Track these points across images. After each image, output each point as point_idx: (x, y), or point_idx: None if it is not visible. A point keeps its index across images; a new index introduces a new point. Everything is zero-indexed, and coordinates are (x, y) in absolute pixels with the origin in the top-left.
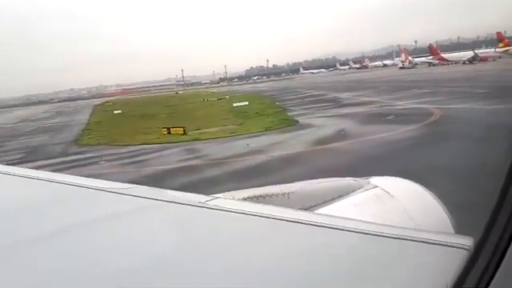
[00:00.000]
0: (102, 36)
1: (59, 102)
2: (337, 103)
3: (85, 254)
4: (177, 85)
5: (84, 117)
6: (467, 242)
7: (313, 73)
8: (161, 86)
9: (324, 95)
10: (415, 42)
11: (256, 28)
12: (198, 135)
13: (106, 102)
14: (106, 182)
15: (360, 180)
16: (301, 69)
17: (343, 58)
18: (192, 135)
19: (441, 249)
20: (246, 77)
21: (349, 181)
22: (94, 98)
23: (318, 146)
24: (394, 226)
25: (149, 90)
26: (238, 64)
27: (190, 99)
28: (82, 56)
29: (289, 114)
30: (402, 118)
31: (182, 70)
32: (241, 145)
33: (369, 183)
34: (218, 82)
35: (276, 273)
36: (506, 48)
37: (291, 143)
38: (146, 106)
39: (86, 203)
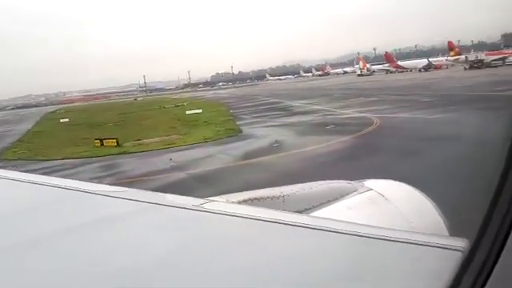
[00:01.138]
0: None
1: (12, 109)
2: (287, 112)
3: (78, 257)
4: (139, 91)
5: (26, 126)
6: (461, 243)
7: (280, 79)
8: (123, 92)
9: (279, 103)
10: (374, 49)
11: (222, 35)
12: (131, 147)
13: (60, 109)
14: (99, 185)
15: (354, 183)
16: (267, 75)
17: (307, 65)
18: (125, 147)
19: (435, 251)
20: (211, 83)
21: (343, 183)
22: (52, 104)
23: (243, 160)
24: (389, 229)
25: (109, 97)
26: (205, 70)
27: (146, 106)
28: (43, 60)
29: (238, 122)
30: (340, 128)
31: (144, 76)
32: (165, 160)
33: (363, 186)
34: (183, 88)
35: (271, 276)
36: (457, 57)
37: (219, 157)
38: (99, 113)
39: (79, 206)
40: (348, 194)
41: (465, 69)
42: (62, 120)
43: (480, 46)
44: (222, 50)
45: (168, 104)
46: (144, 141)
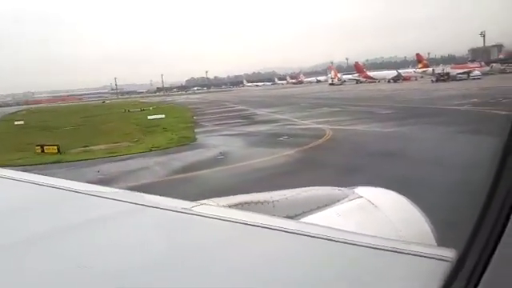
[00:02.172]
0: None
1: None
2: (250, 120)
3: (67, 258)
4: (111, 93)
5: None
6: (449, 253)
7: (258, 85)
8: (96, 93)
9: (244, 111)
10: (346, 59)
11: (199, 39)
12: (73, 155)
13: (21, 110)
14: (90, 185)
15: (345, 190)
16: (244, 81)
17: (283, 73)
18: (66, 154)
19: (423, 260)
20: (186, 87)
21: (334, 190)
22: (18, 105)
23: (176, 175)
24: (377, 237)
25: (80, 98)
26: (180, 74)
27: (112, 109)
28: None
29: (196, 130)
30: (292, 139)
31: (115, 79)
32: (94, 171)
33: (353, 193)
34: (155, 92)
35: (259, 281)
36: (425, 69)
37: (153, 170)
38: (61, 115)
39: (69, 207)
40: (338, 201)
41: (432, 81)
42: (16, 122)
43: (449, 60)
44: (199, 55)
45: (134, 108)
46: (92, 147)
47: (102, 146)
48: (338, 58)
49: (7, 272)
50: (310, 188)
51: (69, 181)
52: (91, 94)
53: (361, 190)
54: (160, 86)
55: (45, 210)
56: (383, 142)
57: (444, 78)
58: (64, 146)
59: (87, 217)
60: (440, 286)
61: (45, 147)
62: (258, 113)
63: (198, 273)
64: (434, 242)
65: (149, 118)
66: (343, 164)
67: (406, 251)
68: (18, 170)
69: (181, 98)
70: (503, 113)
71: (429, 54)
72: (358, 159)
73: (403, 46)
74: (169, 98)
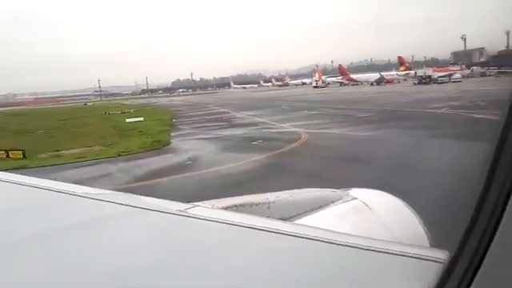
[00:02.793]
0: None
1: None
2: (228, 123)
3: (63, 260)
4: (95, 95)
5: None
6: (442, 255)
7: (245, 87)
8: (80, 95)
9: (225, 113)
10: (331, 62)
11: (186, 41)
12: (40, 160)
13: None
14: (86, 188)
15: (339, 191)
16: (231, 83)
17: (269, 75)
18: (32, 160)
19: (416, 262)
20: (171, 89)
21: (328, 192)
22: None
23: (136, 182)
24: (371, 238)
25: (63, 100)
26: (166, 76)
27: (93, 112)
28: None
29: (172, 133)
30: (266, 143)
31: (99, 80)
32: (51, 179)
33: (348, 195)
34: (139, 94)
35: (254, 282)
36: (407, 71)
37: (114, 177)
38: (39, 118)
39: (65, 209)
40: (333, 203)
41: (414, 84)
42: None
43: (432, 63)
44: (185, 57)
45: (115, 110)
46: (63, 152)
47: (74, 151)
48: (324, 60)
49: (6, 273)
50: (305, 190)
51: (65, 183)
52: (75, 95)
53: (355, 192)
54: (145, 87)
55: (41, 213)
56: (353, 147)
57: (426, 80)
58: (34, 150)
59: (83, 219)
60: (433, 287)
61: (10, 152)
62: (238, 116)
63: (193, 275)
64: (427, 243)
65: (127, 120)
66: (307, 170)
67: (399, 252)
68: (16, 173)
69: (165, 100)
70: (478, 116)
71: (413, 56)
72: (323, 165)
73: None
74: (153, 100)
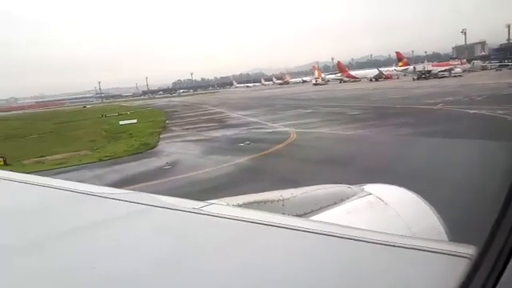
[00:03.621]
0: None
1: None
2: (220, 124)
3: (77, 259)
4: (96, 97)
5: None
6: (468, 250)
7: (248, 86)
8: (81, 98)
9: (220, 113)
10: (332, 59)
11: (187, 41)
12: (20, 166)
13: None
14: (99, 187)
15: (354, 187)
16: (234, 82)
17: (269, 74)
18: (13, 166)
19: (440, 257)
20: (172, 89)
21: (343, 188)
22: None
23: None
24: (390, 234)
25: (64, 103)
26: (167, 76)
27: (90, 114)
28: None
29: (163, 135)
30: (253, 145)
31: (99, 83)
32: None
33: (363, 190)
34: (141, 95)
35: (270, 279)
36: (405, 67)
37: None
38: (35, 122)
39: (80, 208)
40: (348, 199)
41: (413, 79)
42: None
43: (434, 57)
44: (186, 57)
45: (112, 112)
46: (47, 157)
47: (59, 156)
48: (325, 58)
49: (15, 272)
50: (319, 186)
51: (82, 184)
52: (76, 98)
53: (370, 187)
54: (147, 89)
55: (58, 212)
56: (335, 148)
57: (425, 75)
58: (19, 156)
59: (100, 218)
60: (458, 283)
61: None
62: (232, 116)
63: (210, 271)
64: (445, 237)
65: (120, 123)
66: (285, 173)
67: (421, 248)
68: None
69: (163, 101)
70: (472, 112)
71: (413, 51)
72: (302, 168)
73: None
74: (152, 102)
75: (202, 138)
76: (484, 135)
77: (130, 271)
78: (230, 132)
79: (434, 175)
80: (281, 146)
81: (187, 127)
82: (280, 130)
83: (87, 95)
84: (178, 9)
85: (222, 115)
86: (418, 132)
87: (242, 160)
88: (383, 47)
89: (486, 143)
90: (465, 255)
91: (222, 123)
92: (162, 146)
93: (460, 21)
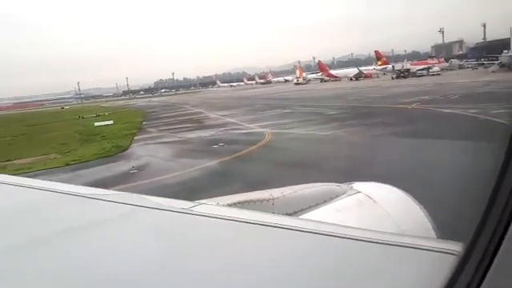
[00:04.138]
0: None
1: None
2: (198, 124)
3: (66, 262)
4: (76, 98)
5: None
6: (455, 247)
7: (232, 85)
8: (61, 99)
9: (198, 114)
10: (313, 58)
11: (169, 40)
12: None
13: None
14: (87, 188)
15: (343, 185)
16: (218, 82)
17: (252, 73)
18: None
19: (428, 254)
20: (154, 89)
21: (332, 186)
22: None
23: None
24: (379, 231)
25: (43, 104)
26: (149, 76)
27: (67, 116)
28: None
29: (137, 137)
30: (225, 147)
31: (78, 83)
32: None
33: (352, 188)
34: (121, 95)
35: (261, 279)
36: (384, 66)
37: None
38: (7, 124)
39: (67, 210)
40: (337, 197)
41: (392, 78)
42: None
43: (413, 56)
44: (168, 56)
45: (90, 113)
46: (14, 162)
47: (24, 160)
48: (307, 57)
49: (9, 275)
50: (309, 185)
51: (68, 184)
52: (55, 99)
53: (359, 186)
54: (128, 89)
55: (46, 214)
56: (308, 149)
57: (404, 74)
58: None
59: (87, 220)
60: (446, 279)
61: None
62: (211, 116)
63: (200, 272)
64: (434, 235)
65: (96, 124)
66: (251, 177)
67: (409, 245)
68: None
69: (143, 102)
70: (447, 111)
71: (393, 50)
72: (269, 170)
73: (371, 44)
74: (132, 102)
75: (177, 139)
76: (454, 135)
77: (119, 273)
78: (205, 133)
79: (399, 175)
80: (254, 147)
81: (163, 128)
82: (256, 130)
83: (67, 96)
84: (160, 8)
85: (201, 116)
86: (389, 132)
87: (211, 163)
88: (364, 46)
89: (454, 143)
90: (452, 252)
91: (200, 124)
92: (134, 148)
93: (441, 19)
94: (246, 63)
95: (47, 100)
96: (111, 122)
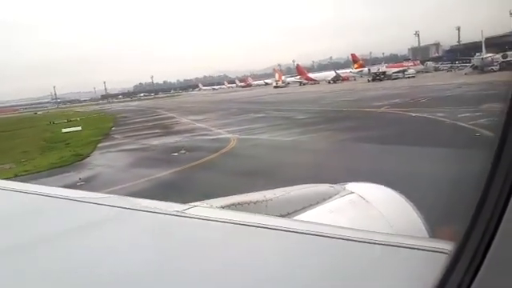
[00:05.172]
0: None
1: None
2: (165, 130)
3: (58, 265)
4: (52, 103)
5: None
6: (446, 246)
7: (215, 88)
8: (37, 103)
9: (171, 119)
10: (293, 61)
11: (150, 43)
12: None
13: None
14: (80, 191)
15: (336, 186)
16: (200, 85)
17: (234, 76)
18: None
19: (420, 253)
20: (132, 93)
21: (325, 187)
22: None
23: None
24: (372, 232)
25: (17, 110)
26: (129, 80)
27: (38, 121)
28: None
29: (101, 144)
30: (187, 154)
31: (54, 87)
32: None
33: (345, 189)
34: (99, 100)
35: (255, 280)
36: (361, 69)
37: None
38: None
39: (59, 214)
40: (330, 198)
41: (368, 81)
42: None
43: (391, 59)
44: (149, 60)
45: (62, 119)
46: None
47: None
48: (288, 60)
49: (3, 278)
50: (302, 186)
51: (59, 188)
52: (31, 104)
53: (352, 186)
54: (106, 93)
55: (36, 218)
56: (266, 157)
57: (380, 77)
58: None
59: (80, 223)
60: (438, 278)
61: None
62: (182, 121)
63: (194, 274)
64: (426, 235)
65: (63, 131)
66: (202, 189)
67: (401, 245)
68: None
69: (119, 106)
70: (414, 114)
71: (371, 53)
72: (216, 182)
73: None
74: (108, 106)
75: (139, 146)
76: (417, 141)
77: (113, 275)
78: (171, 139)
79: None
80: (215, 155)
81: (130, 134)
82: (223, 136)
83: (44, 101)
84: (141, 11)
85: (172, 120)
86: (353, 137)
87: (165, 173)
88: (344, 49)
89: (414, 150)
90: (444, 251)
91: (168, 129)
92: (93, 157)
93: (419, 22)
94: (227, 66)
95: (23, 105)
96: (79, 128)
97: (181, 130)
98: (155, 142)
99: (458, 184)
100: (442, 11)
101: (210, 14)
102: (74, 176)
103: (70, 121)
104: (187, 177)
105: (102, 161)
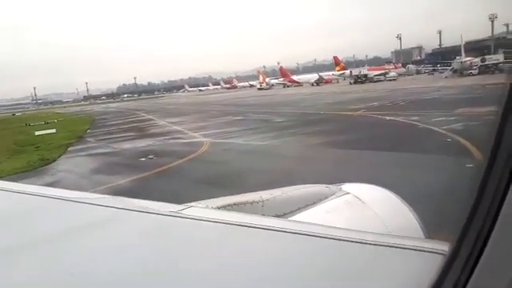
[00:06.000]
0: None
1: None
2: (140, 133)
3: (55, 266)
4: (33, 104)
5: None
6: (442, 246)
7: (201, 90)
8: (17, 104)
9: (148, 121)
10: (278, 63)
11: (134, 44)
12: None
13: None
14: (76, 192)
15: (332, 187)
16: (186, 86)
17: (219, 77)
18: None
19: (416, 254)
20: (116, 94)
21: (321, 187)
22: None
23: None
24: (368, 232)
25: None
26: (113, 80)
27: (14, 123)
28: None
29: (72, 148)
30: (154, 160)
31: (35, 88)
32: None
33: (341, 190)
34: (81, 101)
35: (251, 280)
36: (342, 71)
37: None
38: None
39: (55, 215)
40: (326, 198)
41: (350, 83)
42: None
43: (375, 61)
44: (133, 61)
45: (40, 120)
46: None
47: None
48: (273, 62)
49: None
50: (298, 186)
51: (54, 188)
52: (12, 105)
53: (348, 187)
54: (92, 93)
55: (31, 219)
56: (235, 162)
57: (361, 79)
58: None
59: (76, 224)
60: (433, 278)
61: None
62: (159, 123)
63: (190, 275)
64: (422, 235)
65: (36, 133)
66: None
67: (397, 245)
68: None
69: (99, 107)
70: (388, 118)
71: (354, 55)
72: (173, 190)
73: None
74: (90, 108)
75: (109, 150)
76: (385, 146)
77: (109, 276)
78: (143, 143)
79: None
80: (182, 160)
81: (103, 137)
82: (196, 140)
83: (25, 102)
84: (127, 12)
85: (149, 123)
86: (323, 142)
87: (124, 181)
88: (329, 52)
89: (379, 154)
90: (439, 251)
91: (143, 132)
92: (59, 161)
93: (403, 25)
94: (212, 67)
95: (3, 106)
96: (54, 130)
97: (156, 132)
98: (127, 145)
99: (403, 189)
100: (427, 15)
101: (196, 15)
102: (33, 182)
103: (47, 123)
104: (145, 185)
105: (67, 166)
